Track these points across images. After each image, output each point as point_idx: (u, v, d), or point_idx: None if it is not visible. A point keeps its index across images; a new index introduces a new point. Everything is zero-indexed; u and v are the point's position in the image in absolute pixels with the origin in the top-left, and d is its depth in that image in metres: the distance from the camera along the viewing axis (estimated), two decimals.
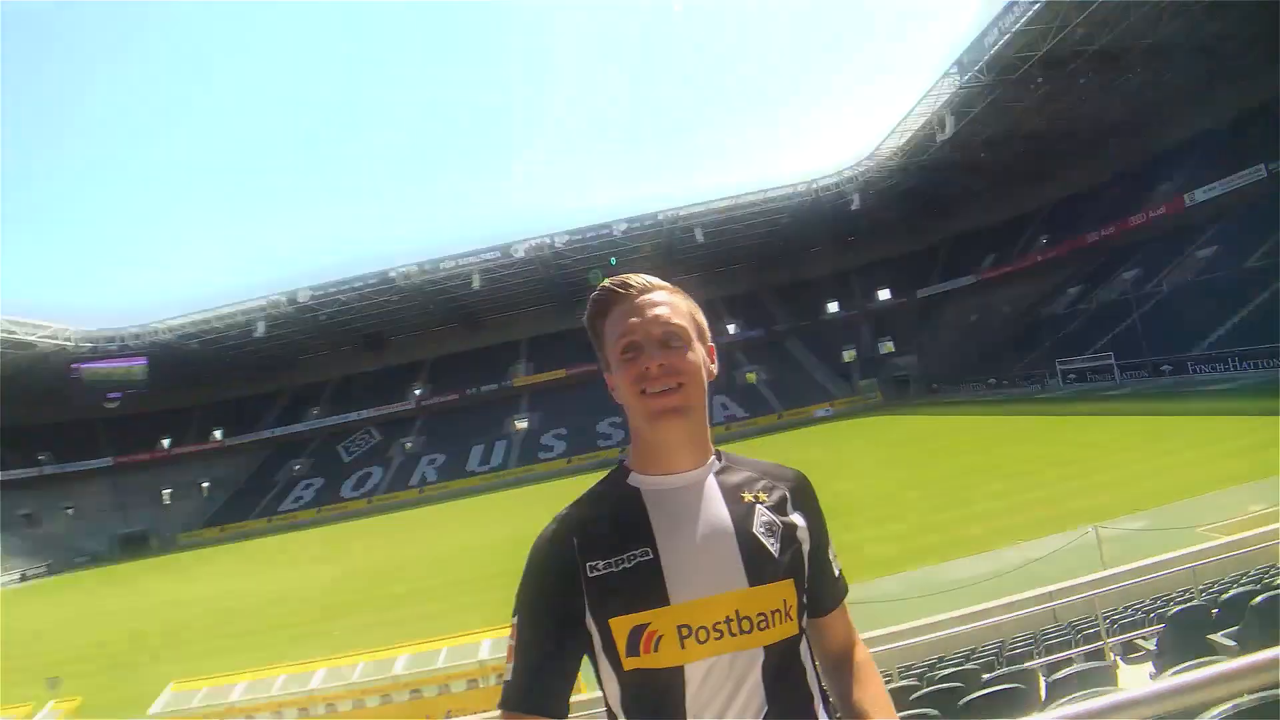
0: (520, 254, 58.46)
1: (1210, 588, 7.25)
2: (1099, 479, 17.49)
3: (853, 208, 57.24)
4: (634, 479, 1.11)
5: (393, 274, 58.23)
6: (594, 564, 1.02)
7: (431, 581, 21.76)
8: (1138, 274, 42.40)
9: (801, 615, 1.07)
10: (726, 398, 59.69)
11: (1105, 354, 37.19)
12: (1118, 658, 6.39)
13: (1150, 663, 5.46)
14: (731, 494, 1.09)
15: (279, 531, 51.90)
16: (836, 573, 1.17)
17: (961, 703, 3.37)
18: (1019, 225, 58.24)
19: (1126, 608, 8.17)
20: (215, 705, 11.47)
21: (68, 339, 55.62)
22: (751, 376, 63.17)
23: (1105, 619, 7.01)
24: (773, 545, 1.05)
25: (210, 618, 22.52)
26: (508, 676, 1.02)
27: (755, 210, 58.81)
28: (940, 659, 7.96)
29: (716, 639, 0.98)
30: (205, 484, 63.13)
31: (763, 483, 1.13)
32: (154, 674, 14.55)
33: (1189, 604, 5.54)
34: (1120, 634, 6.84)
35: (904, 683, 5.68)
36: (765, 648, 1.00)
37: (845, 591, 1.19)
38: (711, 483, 1.10)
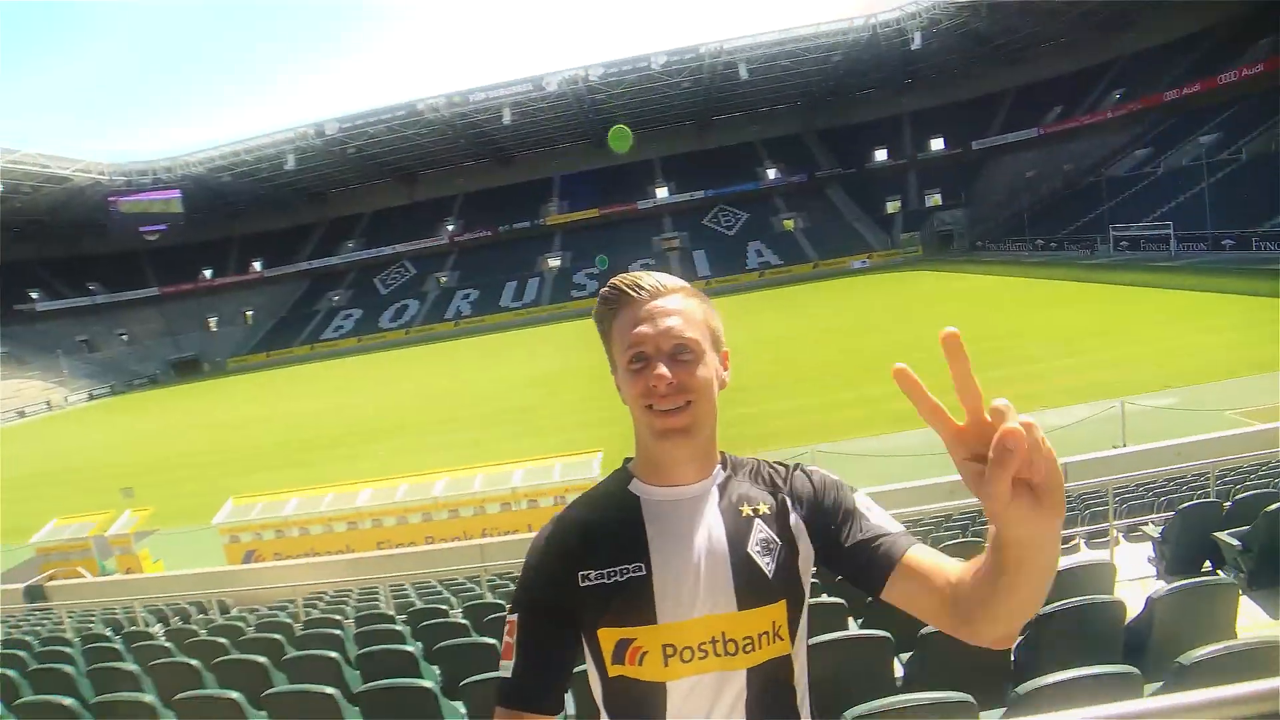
0: (553, 87, 55.69)
1: (1226, 476, 7.30)
2: (1134, 351, 17.25)
3: (913, 48, 52.73)
4: (635, 486, 1.09)
5: (421, 106, 56.29)
6: (586, 573, 1.02)
7: (468, 411, 22.86)
8: (1216, 139, 39.08)
9: (794, 634, 1.04)
10: (761, 244, 58.69)
11: (1164, 223, 35.20)
12: (1120, 535, 6.62)
13: (1150, 545, 5.66)
14: (730, 509, 1.06)
15: (322, 358, 54.27)
16: (892, 530, 1.04)
17: None
18: (1092, 77, 53.45)
19: (1139, 487, 8.31)
20: (271, 518, 12.61)
21: (101, 172, 56.41)
22: (789, 224, 61.65)
23: (1115, 498, 7.16)
24: (767, 565, 1.02)
25: (262, 437, 24.17)
26: (506, 674, 1.02)
27: (806, 46, 54.54)
28: (948, 519, 8.28)
29: (701, 659, 0.99)
30: (249, 312, 65.55)
31: (762, 492, 1.10)
32: (214, 487, 15.91)
33: (1200, 498, 5.60)
34: (1128, 516, 7.00)
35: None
36: (749, 669, 1.00)
37: (906, 542, 1.02)
38: (713, 496, 1.07)
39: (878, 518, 1.07)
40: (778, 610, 1.02)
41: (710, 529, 1.04)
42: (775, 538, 1.05)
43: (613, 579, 1.01)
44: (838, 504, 1.08)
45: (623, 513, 1.07)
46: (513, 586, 6.68)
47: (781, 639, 1.02)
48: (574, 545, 1.05)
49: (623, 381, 1.05)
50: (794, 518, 1.08)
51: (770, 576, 1.02)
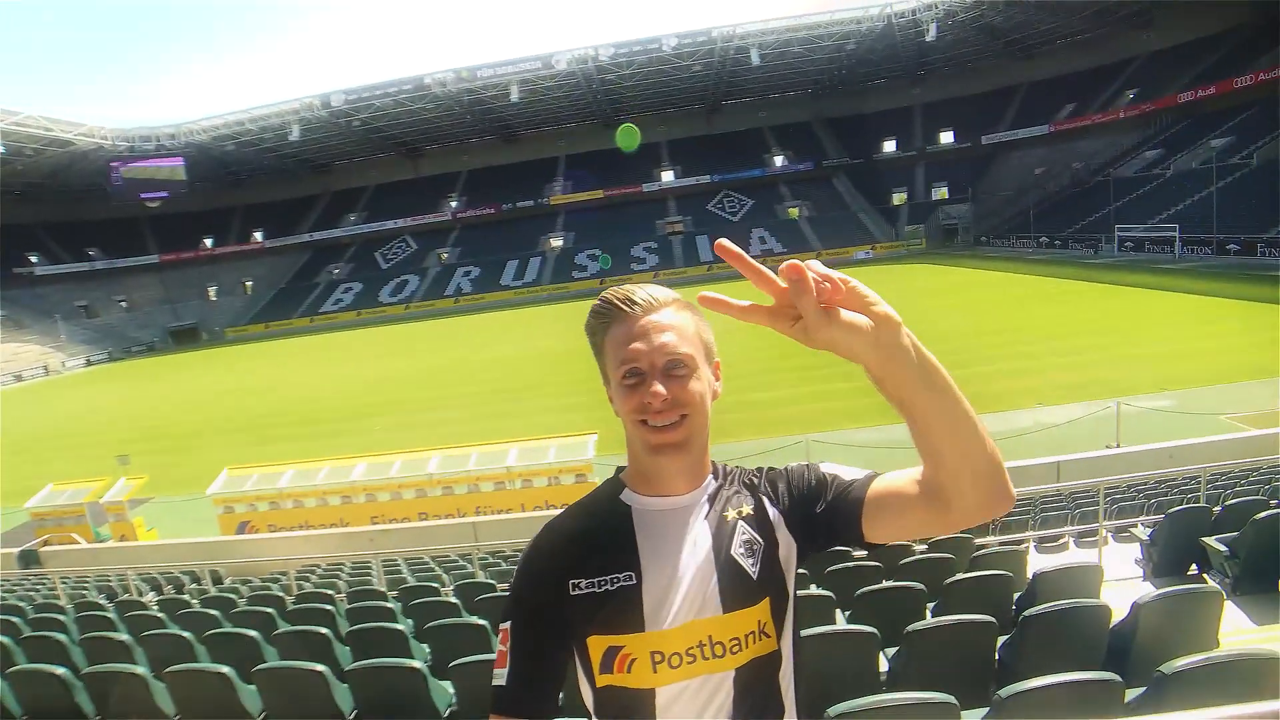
0: (562, 66, 55.23)
1: (1218, 480, 7.34)
2: (1133, 352, 17.25)
3: (927, 39, 52.30)
4: (627, 496, 1.10)
5: (428, 80, 55.89)
6: (577, 582, 1.03)
7: (465, 388, 22.87)
8: (1228, 143, 38.88)
9: (780, 632, 1.06)
10: (765, 231, 58.46)
11: (1170, 225, 35.14)
12: (1109, 535, 6.65)
13: (1138, 547, 5.68)
14: (716, 516, 1.08)
15: (321, 331, 54.23)
16: (858, 478, 1.09)
17: (947, 581, 3.56)
18: (1106, 76, 53.16)
19: (1130, 488, 8.36)
20: (265, 490, 12.65)
21: (104, 137, 56.06)
22: (794, 212, 61.41)
23: (1106, 498, 7.20)
24: (751, 566, 1.05)
25: (260, 408, 24.17)
26: (500, 682, 1.03)
27: (820, 33, 54.08)
28: None
29: (689, 663, 1.01)
30: (249, 282, 65.41)
31: (745, 495, 1.12)
32: (209, 458, 15.94)
33: (1190, 502, 5.63)
34: (1118, 516, 7.04)
35: (897, 541, 5.96)
36: (736, 669, 1.02)
37: (868, 479, 1.07)
38: (702, 506, 1.09)
39: (847, 475, 1.10)
40: (762, 610, 1.04)
41: (698, 537, 1.06)
42: (757, 537, 1.07)
43: (603, 588, 1.03)
44: (807, 482, 1.11)
45: (614, 522, 1.08)
46: (504, 565, 6.70)
47: (768, 636, 1.04)
48: (565, 554, 1.06)
49: (616, 395, 1.05)
50: (772, 512, 1.10)
51: (754, 577, 1.05)
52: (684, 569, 1.03)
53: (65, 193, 61.70)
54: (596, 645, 1.03)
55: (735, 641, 1.02)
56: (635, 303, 1.04)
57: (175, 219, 65.81)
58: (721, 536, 1.06)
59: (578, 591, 1.03)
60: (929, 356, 0.89)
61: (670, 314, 1.05)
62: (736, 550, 1.05)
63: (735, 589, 1.03)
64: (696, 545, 1.05)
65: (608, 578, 1.03)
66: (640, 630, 1.01)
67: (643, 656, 1.01)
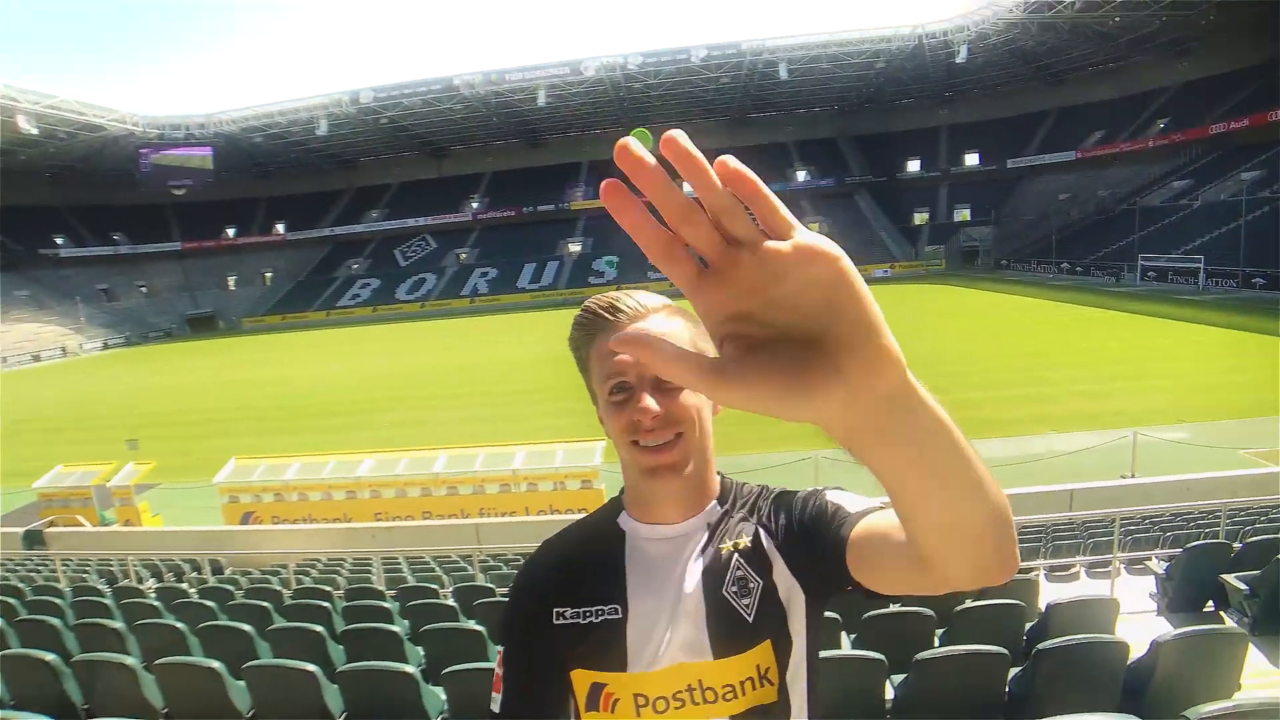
0: (590, 72, 55.56)
1: (1237, 515, 7.16)
2: (1151, 383, 16.97)
3: (957, 60, 52.16)
4: (623, 521, 1.02)
5: (457, 82, 56.43)
6: (562, 610, 0.96)
7: (476, 389, 22.87)
8: (1258, 176, 38.42)
9: (785, 675, 0.94)
10: None
11: (1195, 256, 34.73)
12: (1122, 567, 6.49)
13: (1151, 580, 5.54)
14: (713, 548, 0.98)
15: (337, 325, 54.63)
16: (854, 509, 0.90)
17: (957, 609, 3.47)
18: (1137, 104, 52.65)
19: (1145, 519, 8.17)
20: (271, 481, 12.67)
21: (135, 124, 56.89)
22: (814, 227, 59.61)
23: (1121, 529, 7.01)
24: (745, 606, 0.93)
25: (271, 399, 24.32)
26: (495, 709, 0.97)
27: (849, 50, 54.08)
28: None
29: (677, 708, 0.92)
30: (268, 274, 66.04)
31: (746, 524, 1.00)
32: (218, 446, 16.01)
33: (1208, 537, 5.48)
34: (1132, 549, 6.88)
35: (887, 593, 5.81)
36: (731, 718, 0.92)
37: (859, 515, 0.87)
38: (700, 536, 0.99)
39: (850, 505, 0.92)
40: (762, 653, 0.93)
41: (691, 572, 0.96)
42: (753, 574, 0.96)
43: (586, 619, 0.95)
44: (806, 514, 0.97)
45: (606, 548, 1.00)
46: (505, 569, 6.62)
47: (770, 683, 0.93)
48: (553, 579, 0.99)
49: (605, 415, 0.95)
50: (769, 546, 0.98)
51: (750, 619, 0.93)
52: (673, 607, 0.93)
53: (94, 177, 62.67)
54: (581, 680, 0.95)
55: (729, 688, 0.92)
56: (621, 310, 0.94)
57: (199, 207, 66.74)
58: (714, 573, 0.95)
59: (561, 621, 0.96)
60: (932, 407, 0.50)
61: (660, 321, 0.94)
62: (729, 589, 0.94)
63: (728, 632, 0.92)
64: (688, 581, 0.95)
65: (592, 609, 0.95)
66: (623, 669, 0.93)
67: (625, 698, 0.92)
